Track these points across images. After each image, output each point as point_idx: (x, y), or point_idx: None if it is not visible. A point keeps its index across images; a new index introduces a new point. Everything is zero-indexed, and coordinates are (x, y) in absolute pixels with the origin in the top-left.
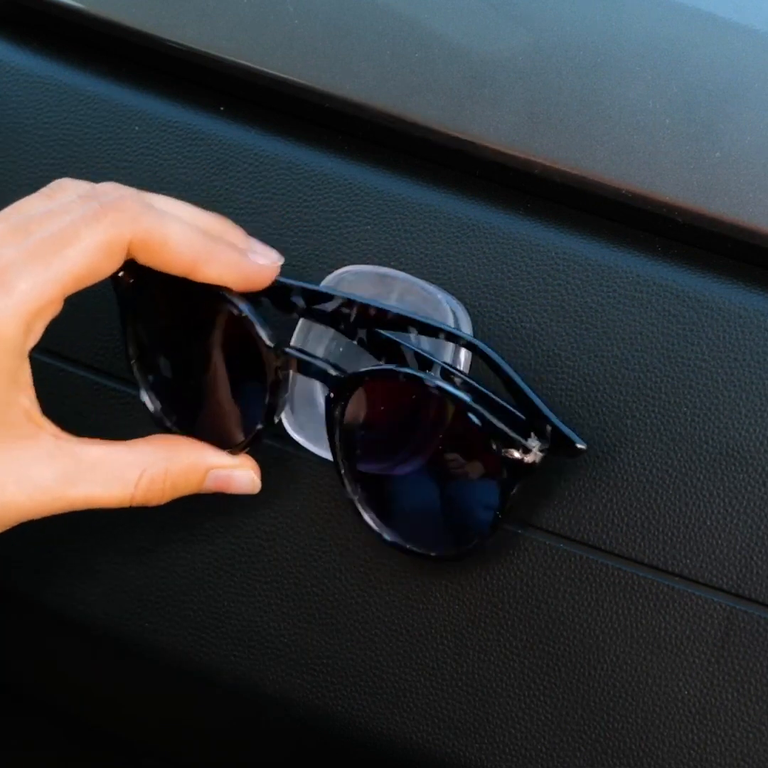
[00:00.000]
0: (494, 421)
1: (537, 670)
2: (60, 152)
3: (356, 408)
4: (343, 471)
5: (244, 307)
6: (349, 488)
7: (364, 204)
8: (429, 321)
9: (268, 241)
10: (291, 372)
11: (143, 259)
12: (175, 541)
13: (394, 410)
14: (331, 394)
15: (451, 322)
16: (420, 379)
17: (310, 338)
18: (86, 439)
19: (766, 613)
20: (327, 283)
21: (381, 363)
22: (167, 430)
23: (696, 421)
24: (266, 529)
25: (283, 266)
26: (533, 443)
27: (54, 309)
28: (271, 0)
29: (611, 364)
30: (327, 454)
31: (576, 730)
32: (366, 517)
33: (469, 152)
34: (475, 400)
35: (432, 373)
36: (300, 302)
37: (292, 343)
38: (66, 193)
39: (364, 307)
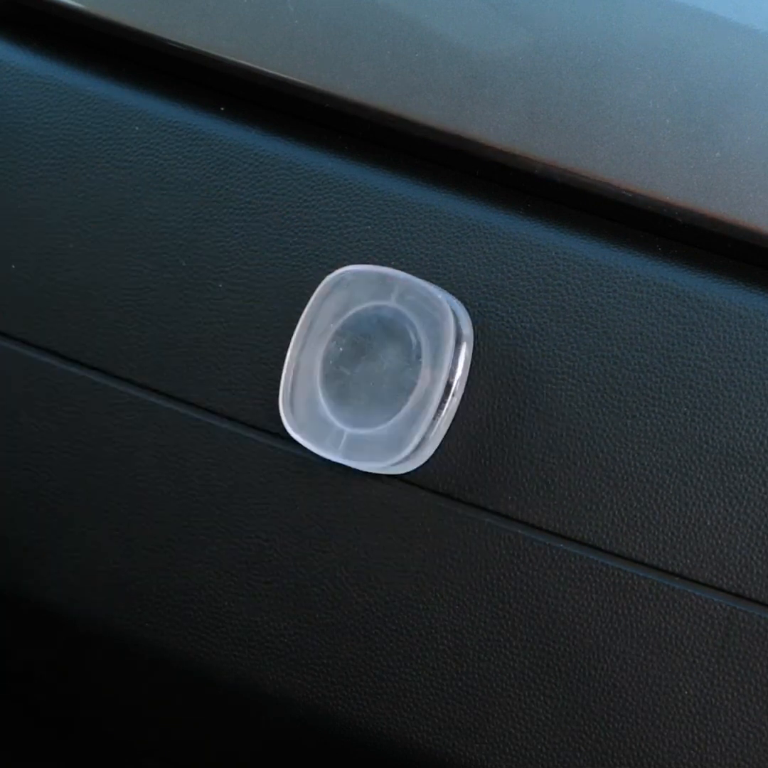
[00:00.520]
0: None
1: (537, 670)
2: (60, 152)
3: None
4: None
5: None
6: None
7: (364, 204)
8: None
9: (268, 241)
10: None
11: None
12: (175, 542)
13: None
14: None
15: (450, 322)
16: None
17: (309, 339)
18: None
19: (766, 613)
20: (327, 283)
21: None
22: None
23: (696, 421)
24: (266, 529)
25: (283, 266)
26: None
27: None
28: (271, 0)
29: (611, 364)
30: (327, 454)
31: (576, 730)
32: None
33: (469, 152)
34: None
35: None
36: None
37: (291, 343)
38: None
39: None
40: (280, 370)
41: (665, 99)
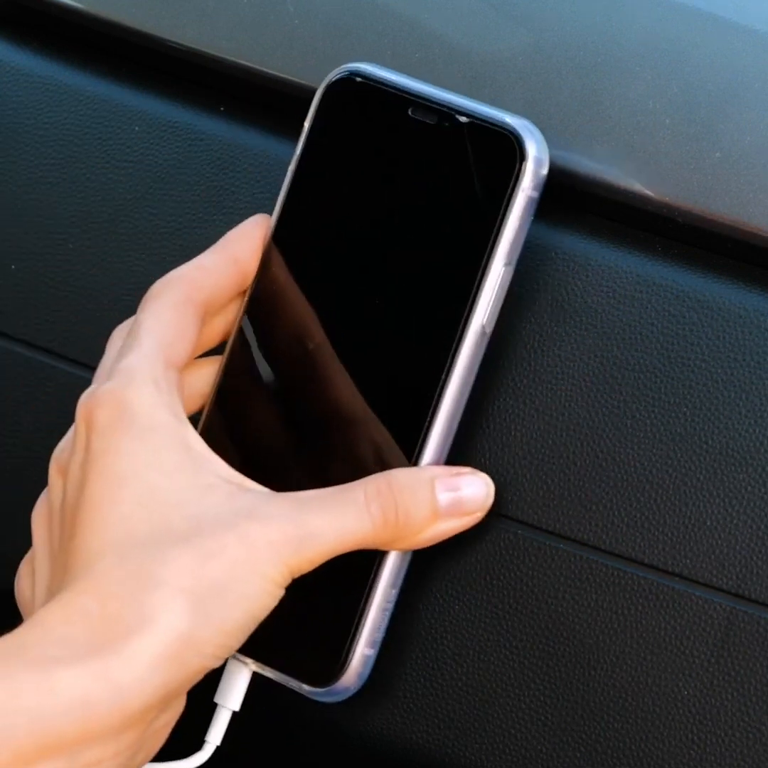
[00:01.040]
0: None
1: (537, 670)
2: (60, 152)
3: None
4: None
5: None
6: None
7: None
8: None
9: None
10: None
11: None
12: None
13: None
14: None
15: None
16: None
17: None
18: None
19: (766, 613)
20: None
21: None
22: None
23: (696, 421)
24: None
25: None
26: None
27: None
28: (271, 0)
29: (611, 365)
30: None
31: (576, 730)
32: None
33: None
34: None
35: None
36: None
37: None
38: None
39: None
40: None
41: (665, 99)
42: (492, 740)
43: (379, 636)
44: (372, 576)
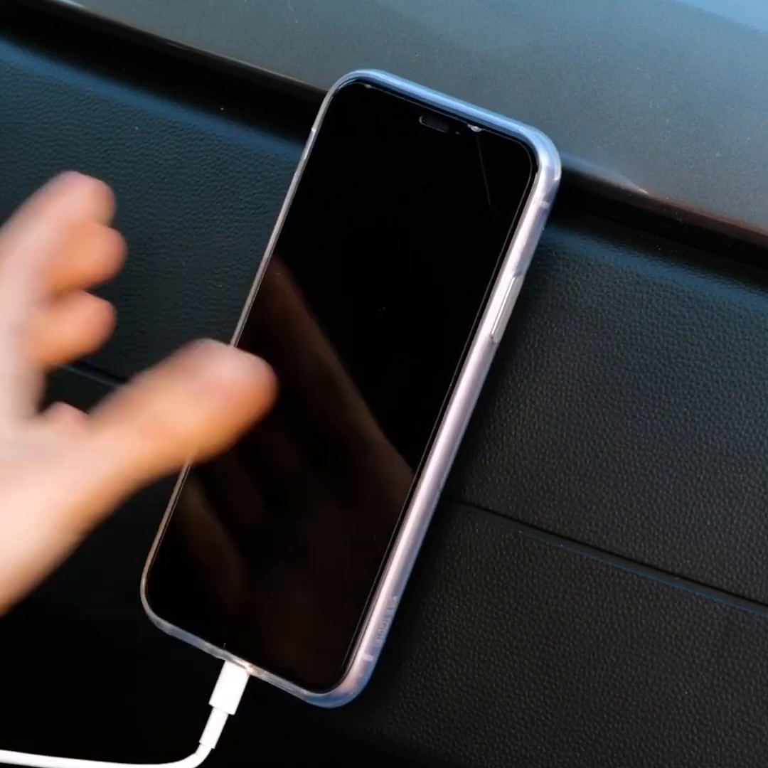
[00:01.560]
0: None
1: (537, 670)
2: (60, 152)
3: None
4: None
5: None
6: None
7: None
8: None
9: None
10: None
11: None
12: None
13: None
14: None
15: None
16: None
17: None
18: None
19: (766, 613)
20: None
21: None
22: None
23: (696, 421)
24: None
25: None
26: None
27: None
28: (271, 0)
29: (611, 365)
30: None
31: (576, 730)
32: None
33: None
34: None
35: None
36: None
37: None
38: None
39: None
40: None
41: (665, 99)
42: (492, 740)
43: (380, 642)
44: (374, 582)
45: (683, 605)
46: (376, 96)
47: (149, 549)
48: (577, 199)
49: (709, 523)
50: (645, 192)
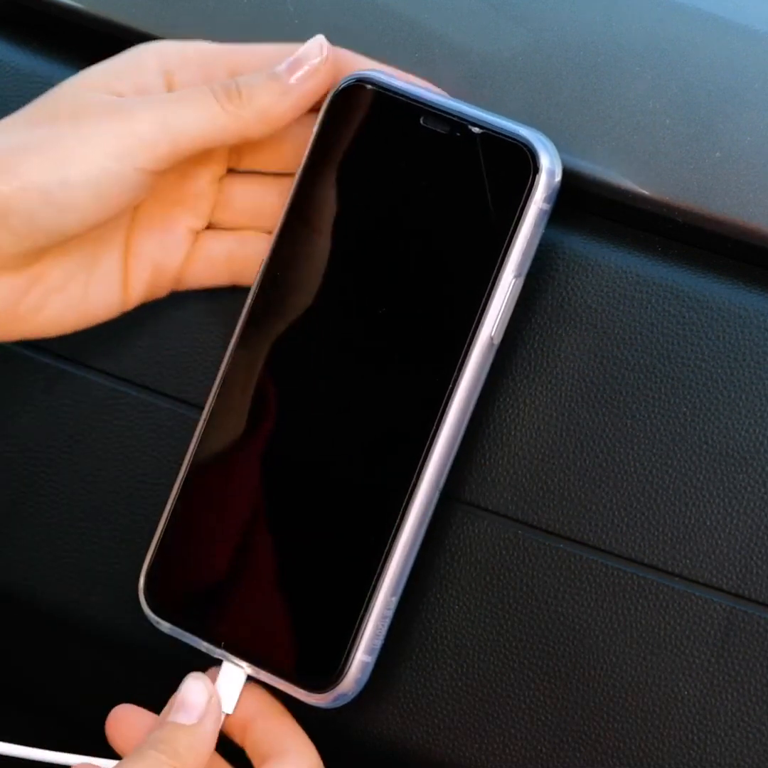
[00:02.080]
0: None
1: (537, 670)
2: None
3: None
4: None
5: None
6: None
7: None
8: None
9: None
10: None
11: None
12: None
13: None
14: None
15: None
16: None
17: None
18: None
19: (766, 613)
20: None
21: None
22: None
23: (696, 421)
24: None
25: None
26: None
27: None
28: (271, 0)
29: (611, 365)
30: None
31: (576, 730)
32: None
33: None
34: None
35: None
36: None
37: None
38: None
39: None
40: None
41: (665, 99)
42: (492, 740)
43: (379, 643)
44: (373, 583)
45: (683, 605)
46: (376, 97)
47: (147, 549)
48: (577, 199)
49: (709, 523)
50: (645, 192)
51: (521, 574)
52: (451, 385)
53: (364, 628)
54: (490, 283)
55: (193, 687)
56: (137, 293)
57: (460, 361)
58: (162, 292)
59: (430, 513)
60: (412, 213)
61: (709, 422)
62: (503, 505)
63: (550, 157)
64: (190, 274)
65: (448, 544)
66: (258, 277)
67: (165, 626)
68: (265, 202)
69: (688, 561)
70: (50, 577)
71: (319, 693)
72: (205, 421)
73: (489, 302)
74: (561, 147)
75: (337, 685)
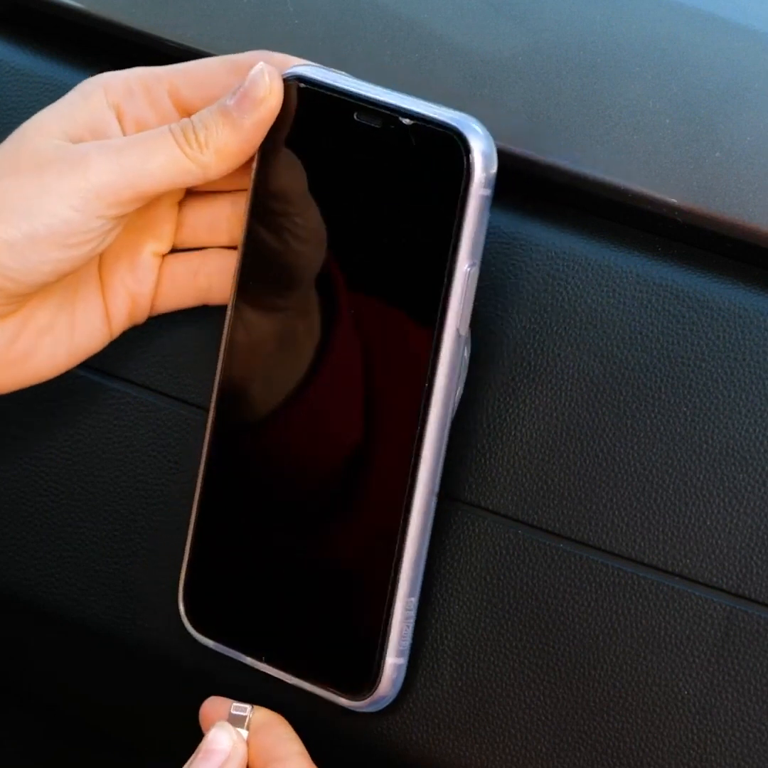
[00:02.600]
0: None
1: (537, 670)
2: None
3: None
4: None
5: None
6: None
7: None
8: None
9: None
10: None
11: None
12: (175, 543)
13: None
14: None
15: None
16: None
17: None
18: None
19: (766, 613)
20: None
21: None
22: None
23: (696, 421)
24: None
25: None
26: None
27: None
28: (271, 0)
29: (611, 364)
30: None
31: (576, 730)
32: None
33: None
34: None
35: None
36: None
37: None
38: None
39: None
40: None
41: (665, 99)
42: (492, 740)
43: (407, 644)
44: (390, 588)
45: (683, 605)
46: (311, 94)
47: (179, 566)
48: (577, 199)
49: (709, 523)
50: (645, 192)
51: (521, 574)
52: (427, 384)
53: (390, 632)
54: (445, 278)
55: (218, 736)
56: (119, 322)
57: (431, 358)
58: (141, 318)
59: (432, 512)
60: (357, 211)
61: (710, 422)
62: (503, 505)
63: (482, 142)
64: (160, 298)
65: (448, 544)
66: (232, 290)
67: (210, 643)
68: (221, 216)
69: (688, 561)
70: (50, 577)
71: (359, 699)
72: (211, 429)
73: (449, 296)
74: (561, 147)
75: (374, 689)
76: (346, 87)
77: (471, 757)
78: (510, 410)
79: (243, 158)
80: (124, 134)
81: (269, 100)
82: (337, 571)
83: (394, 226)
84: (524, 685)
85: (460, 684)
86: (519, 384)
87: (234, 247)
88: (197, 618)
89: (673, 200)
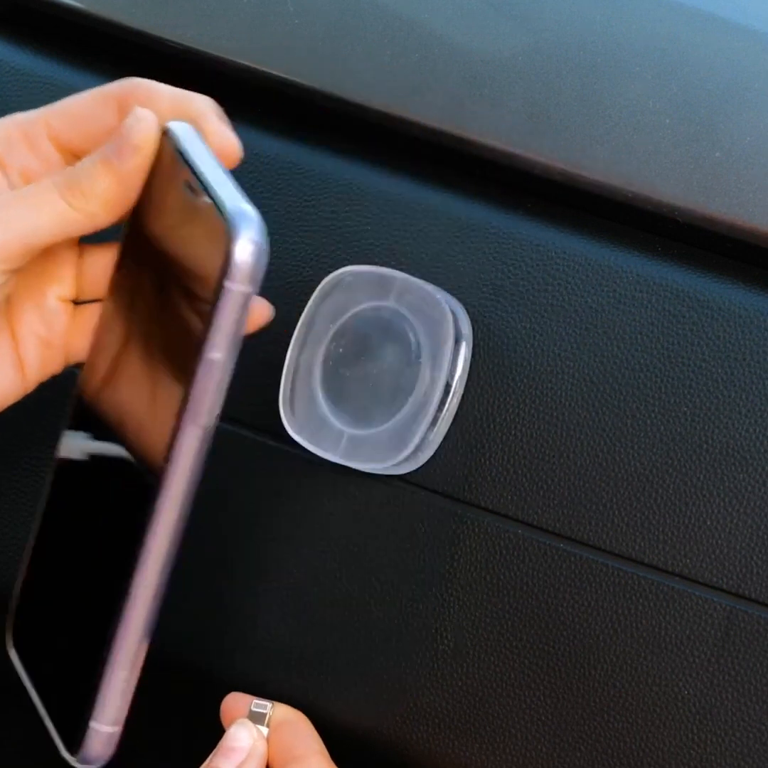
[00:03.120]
0: None
1: (537, 670)
2: None
3: None
4: None
5: None
6: None
7: (364, 204)
8: None
9: (269, 241)
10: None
11: None
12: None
13: None
14: None
15: (450, 322)
16: None
17: (309, 340)
18: None
19: (766, 613)
20: (326, 283)
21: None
22: None
23: (696, 421)
24: (266, 529)
25: (283, 266)
26: None
27: None
28: (271, 0)
29: (611, 364)
30: (327, 455)
31: (576, 730)
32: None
33: (469, 152)
34: None
35: None
36: None
37: (291, 344)
38: None
39: None
40: (280, 371)
41: (665, 99)
42: (492, 740)
43: (120, 715)
44: (106, 658)
45: (683, 605)
46: (171, 151)
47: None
48: (577, 199)
49: (709, 523)
50: (645, 192)
51: (521, 574)
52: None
53: (104, 700)
54: (194, 371)
55: (238, 734)
56: (33, 372)
57: (169, 455)
58: (58, 367)
59: (157, 607)
60: (164, 279)
61: (710, 422)
62: (503, 505)
63: (248, 236)
64: (74, 346)
65: (448, 544)
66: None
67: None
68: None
69: (688, 561)
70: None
71: (73, 754)
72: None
73: (192, 387)
74: (561, 147)
75: (81, 752)
76: (186, 151)
77: (471, 757)
78: (509, 410)
79: (127, 204)
80: (11, 187)
81: (146, 147)
82: (90, 628)
83: (180, 300)
84: (524, 685)
85: (460, 684)
86: (519, 383)
87: None
88: (17, 636)
89: (673, 200)
